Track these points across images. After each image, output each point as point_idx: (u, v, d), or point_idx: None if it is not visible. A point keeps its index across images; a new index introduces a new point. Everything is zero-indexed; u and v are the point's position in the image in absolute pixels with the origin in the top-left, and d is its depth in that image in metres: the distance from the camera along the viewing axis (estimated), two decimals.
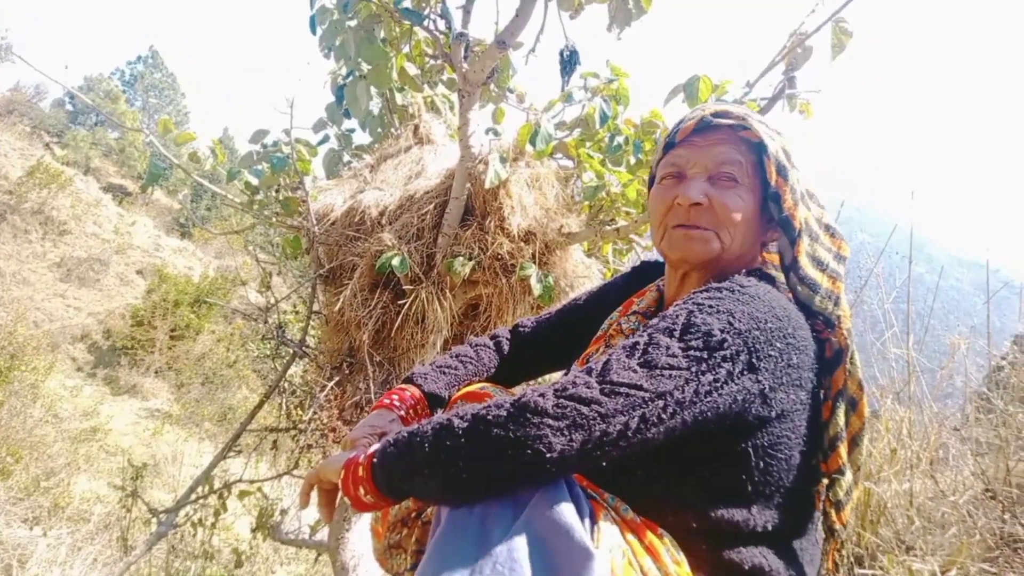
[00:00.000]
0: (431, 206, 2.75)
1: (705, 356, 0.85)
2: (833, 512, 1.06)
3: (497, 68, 2.60)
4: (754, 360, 0.88)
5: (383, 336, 2.75)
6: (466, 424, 0.81)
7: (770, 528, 0.94)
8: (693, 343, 0.86)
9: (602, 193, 2.74)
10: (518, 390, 1.10)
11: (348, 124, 3.46)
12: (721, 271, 1.07)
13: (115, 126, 28.38)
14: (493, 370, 1.36)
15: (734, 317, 0.89)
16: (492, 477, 0.80)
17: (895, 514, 1.59)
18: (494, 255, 2.60)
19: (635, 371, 0.83)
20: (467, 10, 2.61)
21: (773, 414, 0.92)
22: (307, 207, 2.91)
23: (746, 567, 0.91)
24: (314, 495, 1.03)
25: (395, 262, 2.57)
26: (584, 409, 0.79)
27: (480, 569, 0.74)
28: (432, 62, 3.27)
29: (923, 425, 1.79)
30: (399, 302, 2.67)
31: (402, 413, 1.18)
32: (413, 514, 1.11)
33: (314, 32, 2.87)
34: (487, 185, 2.51)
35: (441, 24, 2.60)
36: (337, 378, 2.84)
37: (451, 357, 1.33)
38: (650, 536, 0.86)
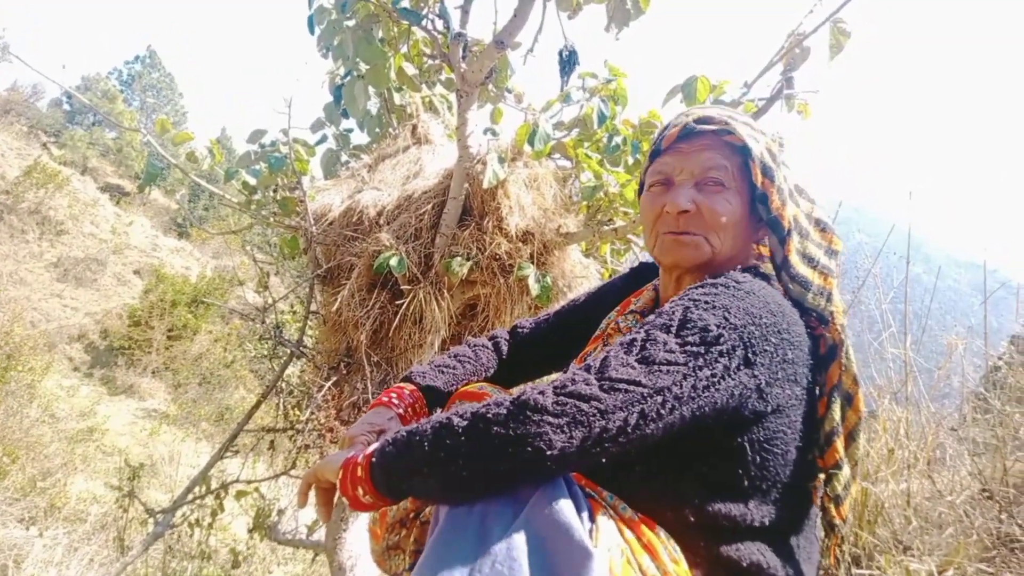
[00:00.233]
0: (429, 206, 2.75)
1: (702, 351, 0.86)
2: (832, 507, 1.07)
3: (495, 68, 2.60)
4: (750, 355, 0.89)
5: (381, 336, 2.75)
6: (466, 422, 0.81)
7: (767, 523, 0.94)
8: (690, 339, 0.87)
9: (600, 193, 2.74)
10: (516, 390, 1.10)
11: (346, 124, 3.45)
12: (714, 272, 1.07)
13: (112, 126, 28.34)
14: (492, 370, 1.37)
15: (730, 312, 0.90)
16: (492, 475, 0.80)
17: (892, 514, 1.59)
18: (492, 255, 2.60)
19: (633, 367, 0.84)
20: (465, 10, 2.62)
21: (769, 409, 0.93)
22: (305, 207, 2.90)
23: (744, 563, 0.91)
24: (312, 495, 1.03)
25: (393, 262, 2.57)
26: (584, 406, 0.79)
27: (479, 567, 0.74)
28: (430, 62, 3.27)
29: (920, 425, 1.80)
30: (397, 302, 2.67)
31: (400, 411, 1.18)
32: (411, 515, 1.10)
33: (312, 32, 2.87)
34: (485, 185, 2.51)
35: (439, 24, 2.60)
36: (335, 378, 2.84)
37: (450, 357, 1.34)
38: (648, 534, 0.87)
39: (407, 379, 1.27)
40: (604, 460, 0.82)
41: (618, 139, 2.75)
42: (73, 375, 12.75)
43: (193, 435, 10.58)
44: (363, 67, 2.84)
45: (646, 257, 1.37)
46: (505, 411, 0.79)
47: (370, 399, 2.67)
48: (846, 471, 1.06)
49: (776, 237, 1.07)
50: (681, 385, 0.83)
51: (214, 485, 3.49)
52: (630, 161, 2.74)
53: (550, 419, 0.78)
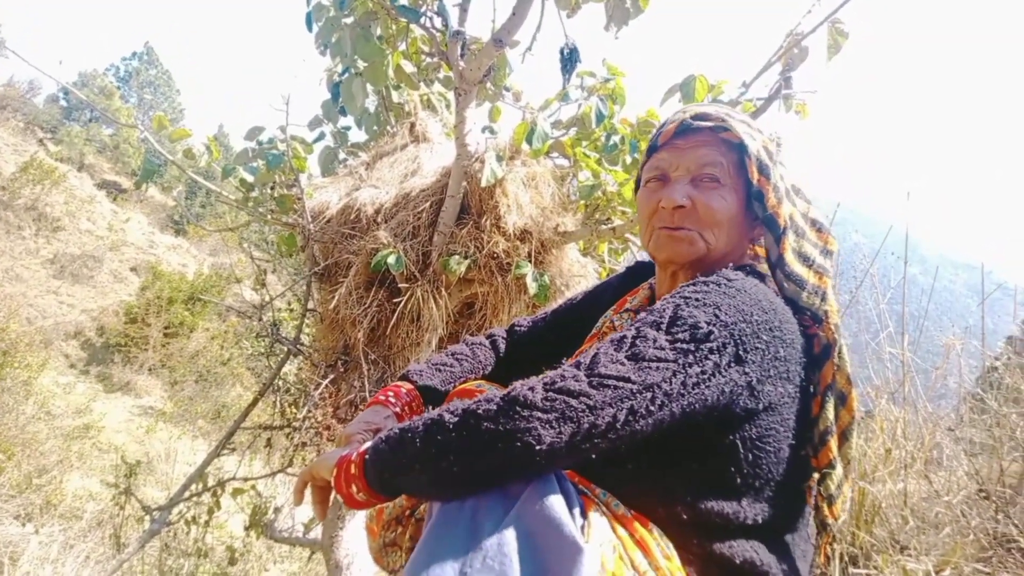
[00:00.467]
0: (427, 204, 2.75)
1: (692, 348, 0.86)
2: (825, 506, 1.07)
3: (494, 66, 2.60)
4: (741, 352, 0.89)
5: (378, 334, 2.75)
6: (456, 418, 0.81)
7: (760, 521, 0.94)
8: (680, 335, 0.87)
9: (598, 192, 2.74)
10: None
11: (344, 121, 3.45)
12: (709, 269, 1.08)
13: (109, 122, 28.28)
14: (489, 369, 1.37)
15: (720, 310, 0.90)
16: (482, 470, 0.80)
17: (889, 514, 1.59)
18: (490, 254, 2.60)
19: (623, 364, 0.84)
20: (464, 8, 2.61)
21: (761, 406, 0.92)
22: (302, 204, 2.90)
23: (737, 560, 0.92)
24: (308, 492, 1.03)
25: (391, 260, 2.56)
26: (573, 402, 0.79)
27: (470, 562, 0.74)
28: (428, 60, 3.27)
29: (917, 425, 1.80)
30: (394, 300, 2.66)
31: (397, 409, 1.18)
32: (407, 511, 1.11)
33: (310, 29, 2.86)
34: (483, 183, 2.50)
35: (438, 22, 2.59)
36: (332, 376, 2.83)
37: (447, 355, 1.34)
38: (641, 530, 0.87)
39: (404, 377, 1.28)
40: (594, 456, 0.82)
41: (616, 138, 2.75)
42: (69, 372, 12.73)
43: (189, 432, 10.56)
44: (361, 65, 2.84)
45: (644, 256, 1.37)
46: (495, 407, 0.80)
47: (367, 397, 2.67)
48: (839, 470, 1.06)
49: (772, 235, 1.07)
50: (671, 382, 0.83)
51: (211, 483, 3.49)
52: (628, 160, 2.74)
53: (539, 415, 0.78)
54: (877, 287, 2.09)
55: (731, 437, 0.92)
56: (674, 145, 1.12)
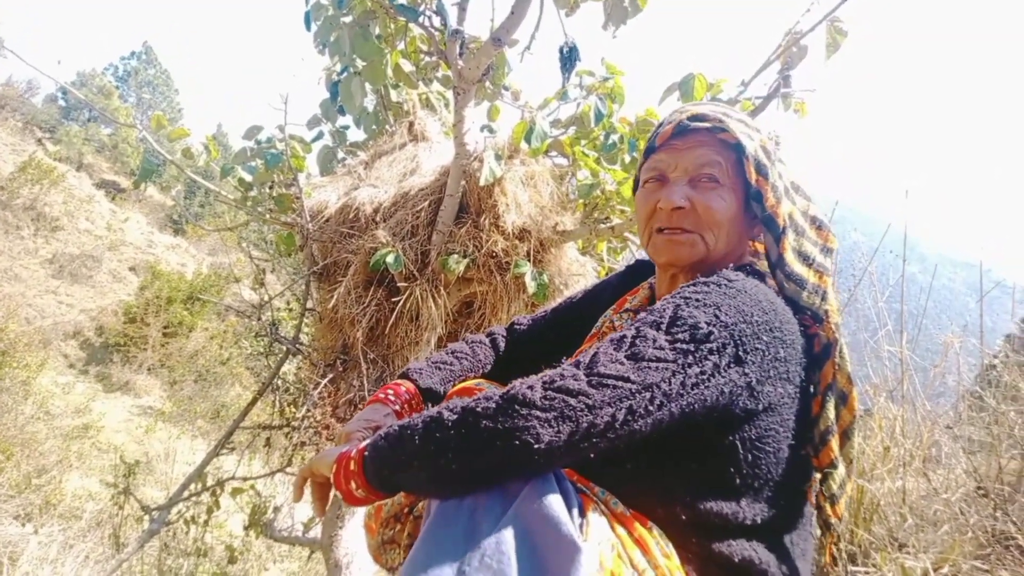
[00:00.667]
0: (426, 203, 2.75)
1: (692, 349, 0.86)
2: (828, 506, 1.07)
3: (492, 65, 2.60)
4: (741, 353, 0.89)
5: (377, 333, 2.75)
6: (455, 416, 0.81)
7: (759, 521, 0.94)
8: (680, 336, 0.87)
9: (597, 191, 2.74)
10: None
11: (343, 121, 3.45)
12: (709, 270, 1.07)
13: (108, 122, 28.26)
14: (489, 367, 1.37)
15: (720, 310, 0.90)
16: (480, 469, 0.80)
17: (888, 512, 1.59)
18: (489, 253, 2.60)
19: (622, 363, 0.84)
20: (462, 7, 2.61)
21: (760, 407, 0.92)
22: (301, 204, 2.89)
23: (736, 559, 0.92)
24: (307, 489, 1.03)
25: (389, 259, 2.56)
26: (572, 401, 0.79)
27: (468, 561, 0.74)
28: (427, 59, 3.27)
29: (916, 423, 1.80)
30: (393, 299, 2.66)
31: (397, 408, 1.18)
32: (406, 509, 1.11)
33: (309, 28, 2.86)
34: (482, 182, 2.50)
35: (436, 21, 2.59)
36: (331, 375, 2.83)
37: (447, 353, 1.34)
38: (639, 529, 0.87)
39: (404, 376, 1.27)
40: (593, 455, 0.82)
41: (615, 137, 2.75)
42: (68, 372, 12.72)
43: (189, 432, 10.56)
44: (360, 64, 2.84)
45: (642, 255, 1.37)
46: (494, 405, 0.80)
47: (366, 396, 2.67)
48: (841, 470, 1.06)
49: (771, 235, 1.07)
50: (670, 382, 0.83)
51: (210, 482, 3.48)
52: (627, 159, 2.74)
53: (538, 413, 0.78)
54: (876, 285, 2.09)
55: (731, 437, 0.92)
56: (672, 146, 1.12)
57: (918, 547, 1.48)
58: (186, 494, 3.43)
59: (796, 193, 1.11)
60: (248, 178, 3.14)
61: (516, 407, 0.79)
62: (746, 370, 0.89)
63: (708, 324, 0.88)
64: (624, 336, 0.88)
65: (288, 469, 3.28)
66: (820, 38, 2.18)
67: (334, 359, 2.86)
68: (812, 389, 1.05)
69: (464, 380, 1.29)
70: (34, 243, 16.07)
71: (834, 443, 1.05)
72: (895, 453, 1.71)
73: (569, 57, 2.52)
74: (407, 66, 3.06)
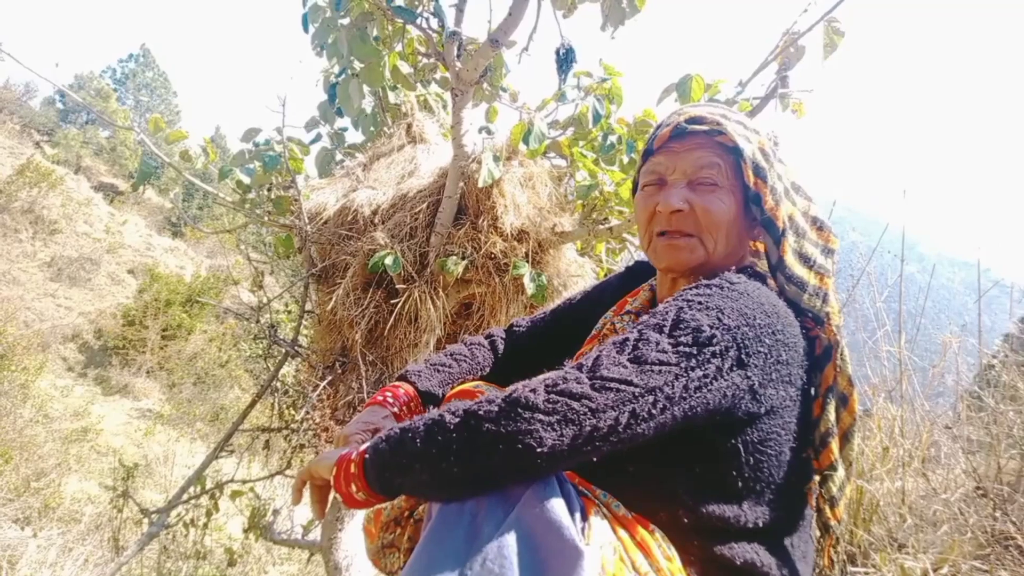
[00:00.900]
0: (424, 205, 2.74)
1: (694, 352, 0.86)
2: (827, 508, 1.07)
3: (490, 67, 2.60)
4: (743, 356, 0.88)
5: (376, 335, 2.74)
6: (457, 419, 0.81)
7: (761, 524, 0.94)
8: (683, 339, 0.87)
9: (595, 192, 2.74)
10: (509, 388, 1.10)
11: (341, 123, 3.44)
12: (710, 273, 1.07)
13: (106, 124, 28.23)
14: (488, 369, 1.36)
15: (723, 313, 0.90)
16: (483, 472, 0.80)
17: (887, 512, 1.60)
18: (487, 254, 2.60)
19: (625, 367, 0.83)
20: (460, 8, 2.61)
21: (763, 410, 0.92)
22: (299, 206, 2.89)
23: (738, 562, 0.92)
24: (306, 492, 1.03)
25: (388, 261, 2.56)
26: (574, 404, 0.79)
27: (470, 566, 0.74)
28: (425, 60, 3.26)
29: (915, 423, 1.80)
30: (392, 301, 2.66)
31: (396, 410, 1.18)
32: (406, 513, 1.10)
33: (306, 30, 2.86)
34: (480, 184, 2.50)
35: (434, 22, 2.59)
36: (330, 377, 2.83)
37: (446, 355, 1.33)
38: (642, 532, 0.87)
39: (403, 378, 1.27)
40: (595, 459, 0.82)
41: (613, 138, 2.75)
42: (67, 375, 12.70)
43: (188, 435, 10.54)
44: (358, 65, 2.84)
45: (642, 256, 1.37)
46: (496, 408, 0.80)
47: (365, 398, 2.67)
48: (841, 472, 1.06)
49: (771, 238, 1.07)
50: (673, 385, 0.83)
51: (209, 485, 3.48)
52: (625, 160, 2.74)
53: (541, 417, 0.78)
54: (874, 285, 2.09)
55: (733, 441, 0.92)
56: (670, 148, 1.12)
57: (917, 547, 1.48)
58: (185, 497, 3.42)
59: (796, 194, 1.10)
60: (246, 180, 3.14)
61: (519, 410, 0.78)
62: (749, 373, 0.89)
63: (711, 327, 0.88)
64: (627, 339, 0.88)
65: (287, 471, 3.27)
66: (817, 38, 2.18)
67: (333, 361, 2.86)
68: (813, 391, 1.05)
69: (463, 382, 1.29)
70: (32, 246, 16.05)
71: (834, 445, 1.05)
72: (894, 453, 1.72)
73: (565, 59, 2.51)
74: (405, 68, 3.06)
